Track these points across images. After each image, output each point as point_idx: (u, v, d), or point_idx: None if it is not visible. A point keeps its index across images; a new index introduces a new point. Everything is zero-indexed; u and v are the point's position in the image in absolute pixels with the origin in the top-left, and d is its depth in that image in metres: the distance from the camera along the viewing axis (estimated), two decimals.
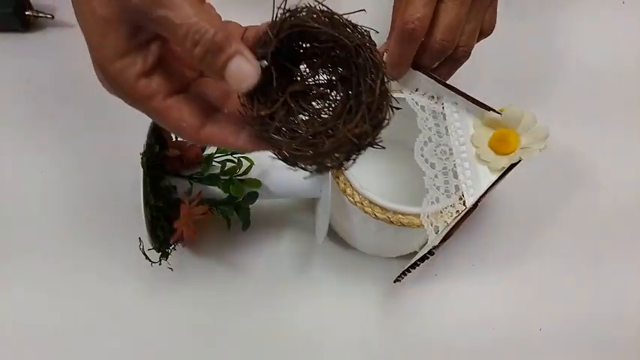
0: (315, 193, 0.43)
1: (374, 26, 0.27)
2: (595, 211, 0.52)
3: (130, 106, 0.28)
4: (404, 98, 0.44)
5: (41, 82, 0.54)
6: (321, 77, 0.28)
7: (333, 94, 0.27)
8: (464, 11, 0.40)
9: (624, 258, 0.50)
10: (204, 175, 0.42)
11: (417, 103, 0.44)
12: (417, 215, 0.39)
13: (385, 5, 0.45)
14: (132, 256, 0.43)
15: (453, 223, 0.38)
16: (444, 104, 0.44)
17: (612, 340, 0.46)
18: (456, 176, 0.41)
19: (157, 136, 0.41)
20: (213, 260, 0.47)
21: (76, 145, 0.51)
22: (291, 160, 0.27)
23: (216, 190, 0.43)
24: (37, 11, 0.55)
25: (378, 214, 0.40)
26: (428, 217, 0.39)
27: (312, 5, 0.26)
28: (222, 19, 0.27)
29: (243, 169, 0.42)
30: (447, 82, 0.43)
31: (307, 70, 0.28)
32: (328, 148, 0.25)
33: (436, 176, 0.41)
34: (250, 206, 0.44)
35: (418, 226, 0.39)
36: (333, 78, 0.27)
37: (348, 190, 0.40)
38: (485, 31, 0.44)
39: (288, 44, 0.27)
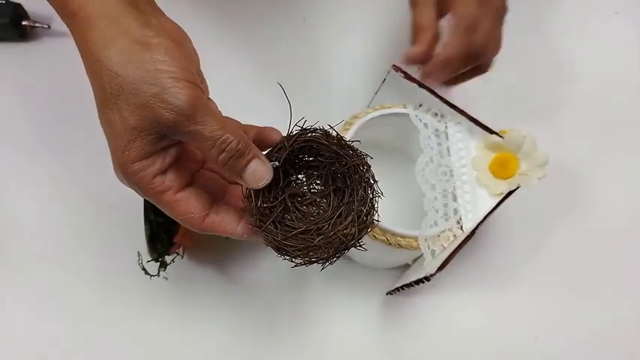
0: None
1: None
2: (591, 226, 0.52)
3: None
4: (407, 114, 0.44)
5: (38, 91, 0.53)
6: (315, 187, 0.33)
7: (324, 201, 0.32)
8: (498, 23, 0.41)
9: (618, 271, 0.50)
10: None
11: (420, 120, 0.44)
12: (416, 238, 0.40)
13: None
14: (130, 267, 0.43)
15: (450, 250, 0.39)
16: (447, 123, 0.44)
17: (607, 348, 0.47)
18: (455, 199, 0.41)
19: None
20: (211, 269, 0.48)
21: (74, 156, 0.51)
22: (282, 251, 0.30)
23: None
24: (34, 21, 0.55)
25: (377, 236, 0.40)
26: (426, 240, 0.40)
27: (324, 128, 0.31)
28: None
29: None
30: (452, 101, 0.43)
31: (304, 178, 0.33)
32: (318, 243, 0.29)
33: (436, 198, 0.41)
34: None
35: (415, 249, 0.40)
36: (327, 188, 0.32)
37: None
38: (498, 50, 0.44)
39: (294, 154, 0.32)
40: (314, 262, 0.30)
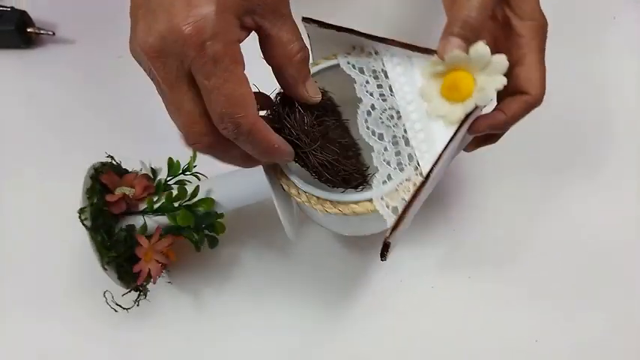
0: (266, 194, 0.40)
1: None
2: (590, 229, 0.49)
3: None
4: (338, 64, 0.38)
5: (43, 98, 0.55)
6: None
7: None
8: None
9: (620, 272, 0.47)
10: (152, 208, 0.40)
11: (353, 66, 0.38)
12: (371, 200, 0.35)
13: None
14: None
15: (409, 199, 0.33)
16: (383, 59, 0.37)
17: (607, 351, 0.45)
18: (407, 143, 0.35)
19: (95, 184, 0.40)
20: (195, 281, 0.47)
21: (78, 163, 0.48)
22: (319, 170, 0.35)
23: None
24: (39, 28, 0.57)
25: (328, 210, 0.35)
26: (382, 199, 0.34)
27: None
28: None
29: (191, 191, 0.40)
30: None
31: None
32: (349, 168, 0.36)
33: (386, 149, 0.35)
34: (225, 216, 0.43)
35: (373, 212, 0.35)
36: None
37: (293, 191, 0.36)
38: None
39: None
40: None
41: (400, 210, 0.34)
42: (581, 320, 0.46)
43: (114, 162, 0.44)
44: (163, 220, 0.41)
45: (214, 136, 0.29)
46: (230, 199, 0.41)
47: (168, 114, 0.30)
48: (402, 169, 0.35)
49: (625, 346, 0.45)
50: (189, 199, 0.40)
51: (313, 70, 0.39)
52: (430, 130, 0.35)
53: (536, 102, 0.36)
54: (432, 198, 0.50)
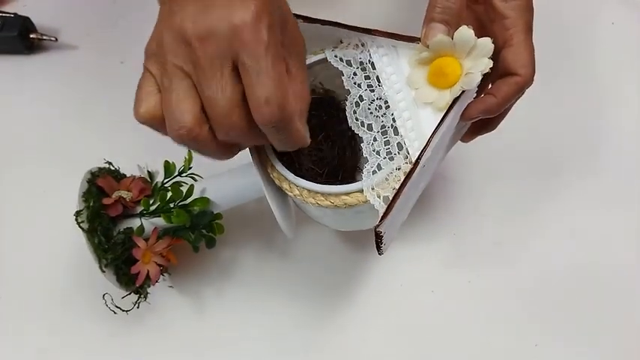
0: (260, 192, 0.40)
1: None
2: (591, 234, 0.49)
3: None
4: (325, 58, 0.38)
5: (45, 103, 0.56)
6: None
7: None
8: None
9: (620, 275, 0.47)
10: (148, 208, 0.41)
11: (341, 59, 0.38)
12: (362, 191, 0.34)
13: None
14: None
15: (399, 186, 0.33)
16: (370, 51, 0.37)
17: (607, 354, 0.44)
18: (396, 132, 0.35)
19: (92, 188, 0.40)
20: (195, 283, 0.47)
21: (82, 170, 0.49)
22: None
23: None
24: (42, 34, 0.58)
25: (320, 202, 0.35)
26: (373, 189, 0.34)
27: None
28: None
29: (184, 191, 0.40)
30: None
31: None
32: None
33: (375, 139, 0.35)
34: (224, 217, 0.43)
35: (365, 202, 0.34)
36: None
37: (285, 185, 0.36)
38: None
39: None
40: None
41: (391, 199, 0.33)
42: (580, 324, 0.45)
43: (111, 167, 0.44)
44: (161, 222, 0.41)
45: (249, 124, 0.29)
46: (225, 198, 0.41)
47: (208, 103, 0.28)
48: (391, 159, 0.34)
49: (625, 347, 0.45)
50: (184, 199, 0.40)
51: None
52: (419, 117, 0.35)
53: (526, 82, 0.36)
54: (432, 202, 0.51)
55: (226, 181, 0.40)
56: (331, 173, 0.43)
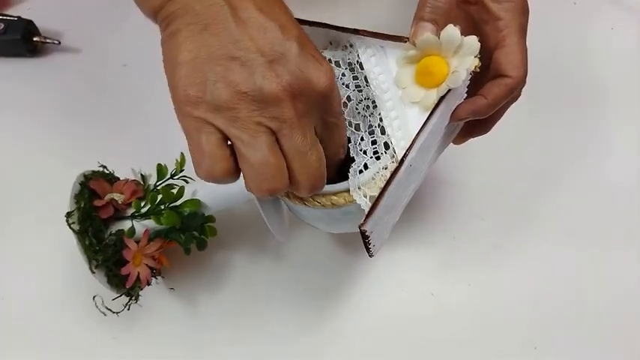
0: (251, 195, 0.40)
1: None
2: (590, 237, 0.49)
3: None
4: None
5: (48, 106, 0.56)
6: None
7: None
8: None
9: (621, 277, 0.47)
10: (139, 209, 0.41)
11: (330, 60, 0.38)
12: (348, 191, 0.34)
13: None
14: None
15: (384, 184, 0.32)
16: (358, 51, 0.37)
17: (607, 358, 0.44)
18: (384, 132, 0.35)
19: (85, 190, 0.41)
20: (188, 286, 0.47)
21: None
22: None
23: None
24: (45, 37, 0.58)
25: (308, 203, 0.35)
26: (359, 188, 0.34)
27: None
28: None
29: (175, 193, 0.40)
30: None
31: None
32: None
33: (362, 139, 0.35)
34: (218, 219, 0.43)
35: (352, 202, 0.34)
36: None
37: None
38: None
39: None
40: None
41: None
42: (579, 328, 0.45)
43: (105, 170, 0.45)
44: (152, 224, 0.41)
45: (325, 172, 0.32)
46: (215, 200, 0.41)
47: (296, 155, 0.29)
48: (378, 158, 0.34)
49: (625, 350, 0.44)
50: (174, 201, 0.40)
51: None
52: (405, 117, 0.34)
53: (518, 84, 0.35)
54: (432, 206, 0.51)
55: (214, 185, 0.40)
56: None
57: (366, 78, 0.36)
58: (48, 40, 0.58)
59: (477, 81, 0.35)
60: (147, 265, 0.41)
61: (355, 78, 0.37)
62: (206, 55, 0.28)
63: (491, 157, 0.52)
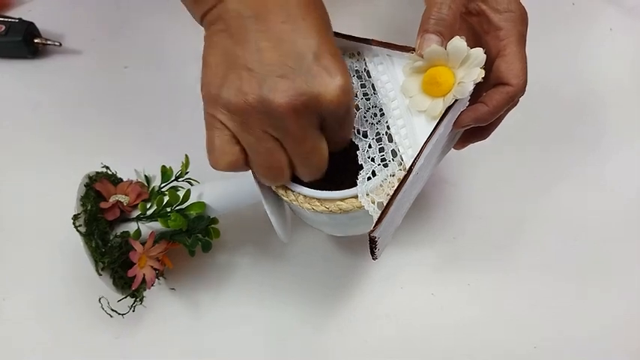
0: (256, 197, 0.40)
1: None
2: (590, 238, 0.49)
3: None
4: None
5: (49, 108, 0.56)
6: None
7: None
8: None
9: (620, 278, 0.48)
10: (145, 211, 0.41)
11: None
12: (356, 196, 0.35)
13: None
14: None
15: (393, 192, 0.33)
16: (365, 60, 0.38)
17: (607, 358, 0.45)
18: (391, 140, 0.36)
19: (90, 192, 0.41)
20: (192, 287, 0.47)
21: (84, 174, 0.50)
22: None
23: None
24: (46, 39, 0.58)
25: (315, 208, 0.36)
26: (367, 195, 0.35)
27: None
28: None
29: (181, 196, 0.41)
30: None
31: None
32: None
33: (369, 146, 0.36)
34: (221, 221, 0.44)
35: (360, 208, 0.35)
36: None
37: (281, 190, 0.37)
38: None
39: None
40: None
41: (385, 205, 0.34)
42: (579, 327, 0.46)
43: (109, 172, 0.45)
44: (157, 226, 0.42)
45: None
46: (221, 203, 0.41)
47: (298, 159, 0.33)
48: (385, 165, 0.35)
49: (625, 351, 0.45)
50: (181, 203, 0.40)
51: None
52: (412, 125, 0.35)
53: (518, 92, 0.36)
54: (432, 206, 0.52)
55: (223, 186, 0.41)
56: (327, 179, 0.43)
57: (373, 86, 0.37)
58: (49, 42, 0.57)
59: (477, 88, 0.37)
60: (152, 266, 0.41)
61: (363, 86, 0.38)
62: (227, 62, 0.30)
63: (491, 157, 0.52)
